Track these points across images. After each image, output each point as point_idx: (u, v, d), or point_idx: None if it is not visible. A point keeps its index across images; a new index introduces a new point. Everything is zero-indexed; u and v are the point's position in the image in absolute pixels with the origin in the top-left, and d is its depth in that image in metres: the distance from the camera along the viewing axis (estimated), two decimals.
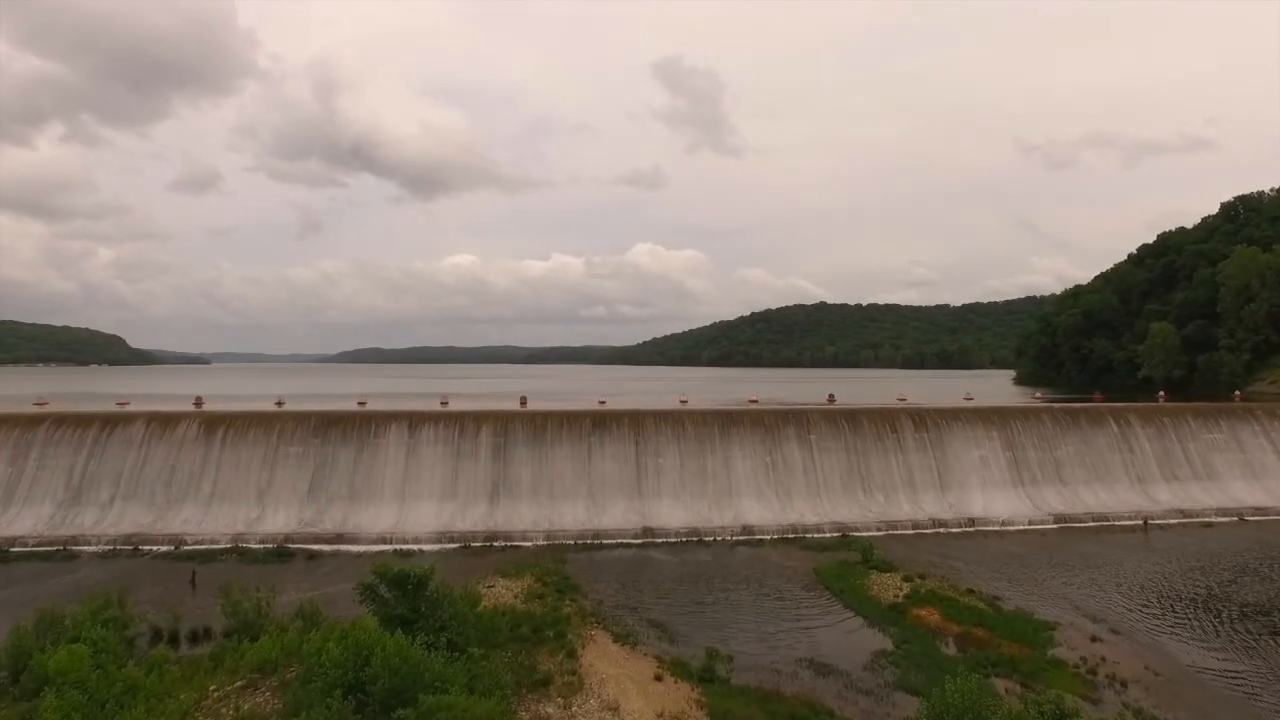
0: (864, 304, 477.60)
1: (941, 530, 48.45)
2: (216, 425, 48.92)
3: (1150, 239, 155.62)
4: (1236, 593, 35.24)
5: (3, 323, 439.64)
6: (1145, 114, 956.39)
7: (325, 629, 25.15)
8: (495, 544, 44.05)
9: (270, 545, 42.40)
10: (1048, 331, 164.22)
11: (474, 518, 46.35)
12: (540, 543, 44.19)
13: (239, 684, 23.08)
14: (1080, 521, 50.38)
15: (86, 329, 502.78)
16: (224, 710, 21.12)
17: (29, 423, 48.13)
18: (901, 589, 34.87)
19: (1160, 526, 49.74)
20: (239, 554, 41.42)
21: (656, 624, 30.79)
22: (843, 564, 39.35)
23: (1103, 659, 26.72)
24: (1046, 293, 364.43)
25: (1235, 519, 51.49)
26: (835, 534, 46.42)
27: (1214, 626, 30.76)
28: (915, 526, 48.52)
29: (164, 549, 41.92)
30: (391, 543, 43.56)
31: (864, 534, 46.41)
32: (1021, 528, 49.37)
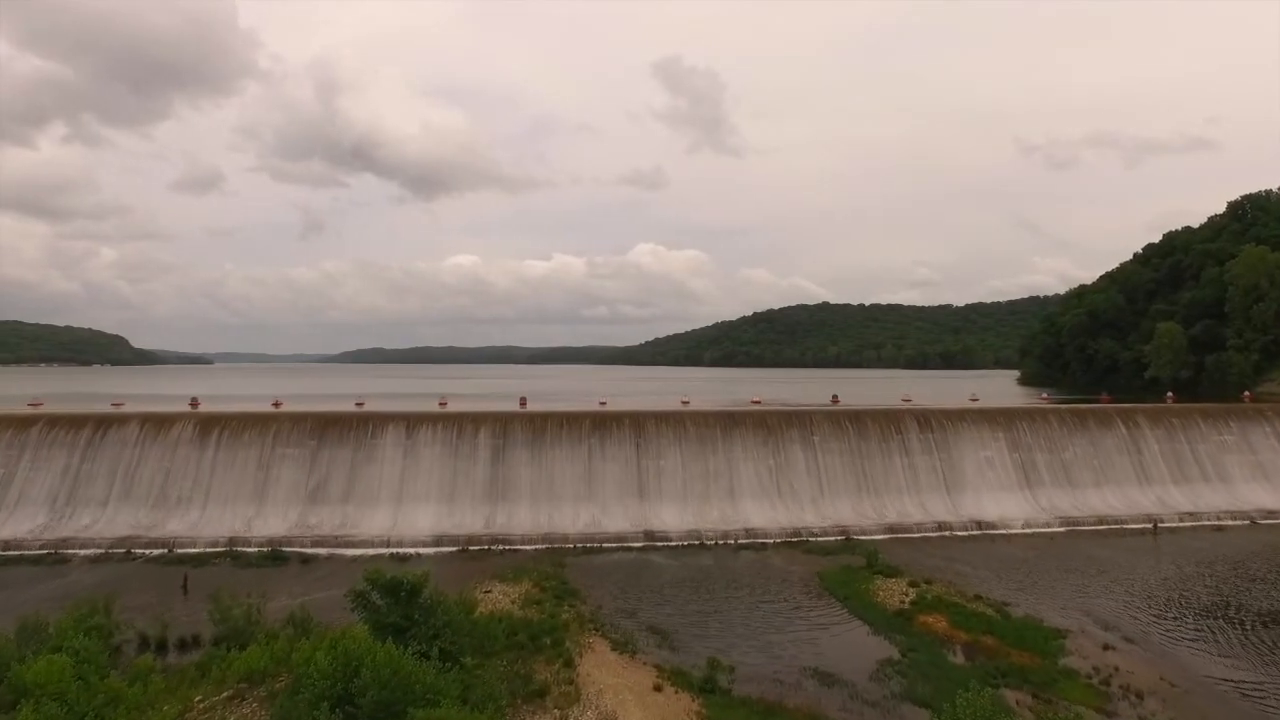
0: (866, 304, 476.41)
1: (947, 533, 47.64)
2: (211, 426, 48.30)
3: (1152, 239, 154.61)
4: (1251, 599, 34.39)
5: (6, 323, 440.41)
6: (1146, 114, 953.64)
7: (316, 637, 24.52)
8: (493, 547, 43.35)
9: (265, 548, 41.72)
10: (1052, 331, 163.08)
11: (472, 521, 45.65)
12: (539, 546, 43.48)
13: (226, 694, 22.41)
14: (1088, 524, 49.54)
15: (89, 329, 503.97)
16: None
17: (22, 424, 47.56)
18: (907, 595, 34.08)
19: (1170, 530, 48.89)
20: (233, 558, 40.77)
21: (657, 631, 30.06)
22: (847, 569, 38.56)
23: (1116, 669, 25.92)
24: (1049, 293, 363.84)
25: (1247, 522, 50.60)
26: (839, 537, 45.65)
27: (1229, 635, 29.91)
28: (920, 530, 47.72)
29: (157, 552, 41.27)
30: (388, 546, 42.88)
31: (868, 537, 45.63)
32: (1028, 531, 48.55)
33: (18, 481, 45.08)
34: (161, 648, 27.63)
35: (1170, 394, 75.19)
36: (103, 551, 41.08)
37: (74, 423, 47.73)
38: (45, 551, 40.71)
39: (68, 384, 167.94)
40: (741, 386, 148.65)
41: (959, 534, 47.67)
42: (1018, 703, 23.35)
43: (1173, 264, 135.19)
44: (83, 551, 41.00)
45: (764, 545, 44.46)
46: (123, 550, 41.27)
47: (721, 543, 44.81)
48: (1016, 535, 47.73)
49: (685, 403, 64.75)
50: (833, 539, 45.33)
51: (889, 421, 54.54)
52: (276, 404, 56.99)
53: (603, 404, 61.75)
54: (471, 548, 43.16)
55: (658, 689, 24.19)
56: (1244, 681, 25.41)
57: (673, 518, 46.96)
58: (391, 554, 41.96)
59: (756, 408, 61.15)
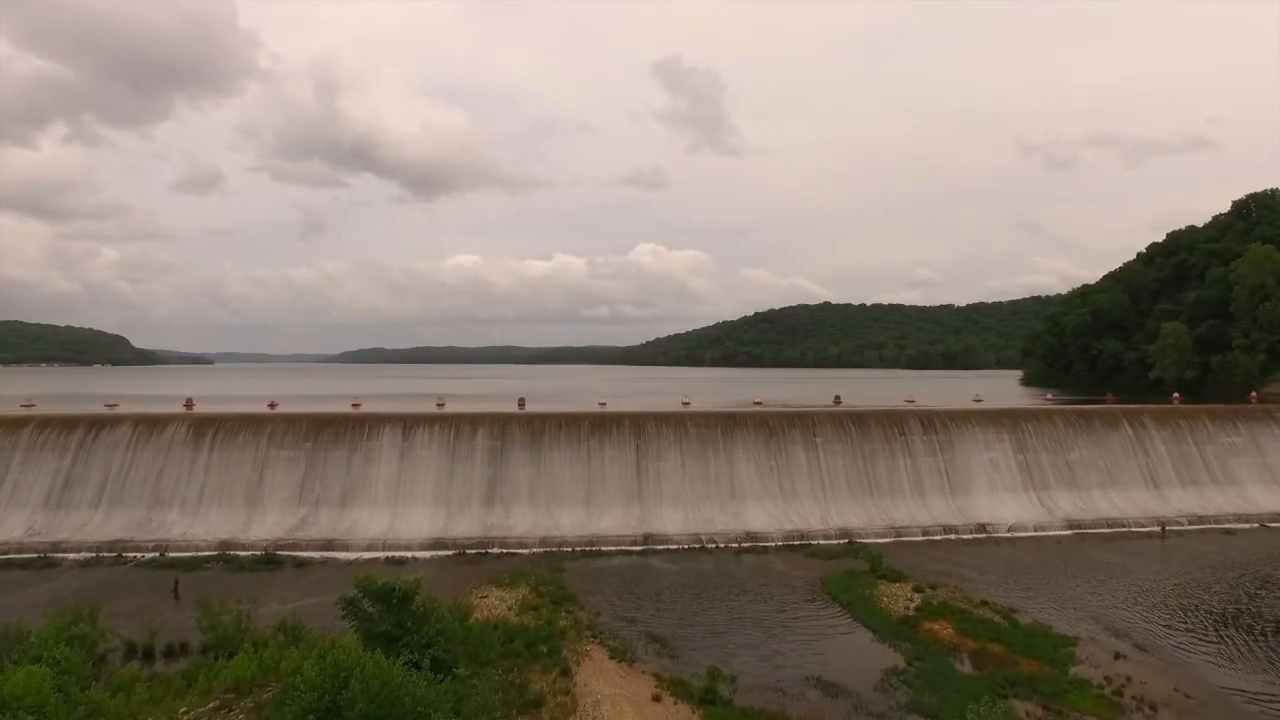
0: (868, 304, 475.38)
1: (952, 536, 46.93)
2: (206, 428, 47.65)
3: (1153, 239, 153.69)
4: (1264, 606, 33.66)
5: (7, 323, 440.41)
6: (1146, 114, 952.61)
7: (305, 646, 23.87)
8: (491, 551, 42.68)
9: (258, 552, 41.08)
10: (1055, 331, 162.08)
11: (469, 524, 44.97)
12: (537, 549, 42.80)
13: (211, 705, 21.71)
14: (1095, 527, 48.80)
15: (90, 329, 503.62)
16: None
17: (13, 425, 46.93)
18: (912, 600, 33.37)
19: (1178, 533, 48.13)
20: (225, 561, 40.12)
21: (656, 638, 29.38)
22: (850, 573, 37.86)
23: (1128, 679, 25.19)
24: (1050, 293, 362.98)
25: (1256, 525, 49.84)
26: (842, 540, 44.95)
27: (1243, 643, 29.18)
28: (924, 532, 47.01)
29: (149, 556, 40.62)
30: (384, 549, 42.22)
31: (871, 540, 44.95)
32: (1034, 534, 47.82)
33: (8, 483, 44.44)
34: (149, 656, 26.98)
35: (1177, 395, 74.42)
36: (93, 555, 40.44)
37: (66, 424, 47.09)
38: (35, 555, 40.05)
39: (66, 384, 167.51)
40: (742, 387, 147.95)
41: (963, 537, 46.96)
42: (1027, 714, 22.69)
43: (1177, 263, 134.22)
44: (73, 555, 40.34)
45: (766, 549, 43.75)
46: (114, 554, 40.62)
47: (722, 546, 44.11)
48: (1022, 538, 47.01)
49: (686, 403, 64.06)
50: (835, 542, 44.64)
51: (892, 422, 53.82)
52: (272, 405, 56.34)
53: (602, 405, 61.09)
54: (469, 551, 42.48)
55: (657, 699, 23.52)
56: (1260, 693, 24.69)
57: (673, 520, 46.26)
58: (387, 558, 41.35)
59: (758, 408, 60.44)
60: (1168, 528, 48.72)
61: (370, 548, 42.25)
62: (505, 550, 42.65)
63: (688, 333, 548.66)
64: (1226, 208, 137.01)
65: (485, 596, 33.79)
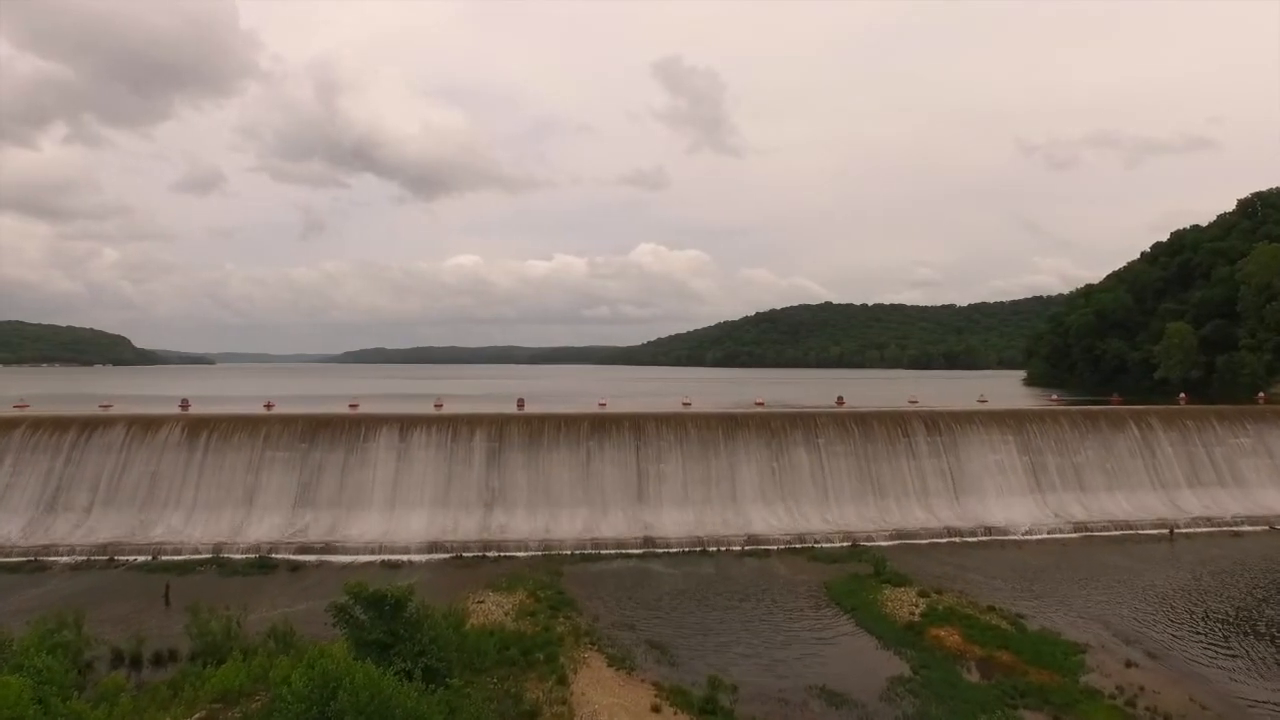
0: (869, 304, 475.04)
1: (956, 539, 46.23)
2: (200, 429, 47.05)
3: (1155, 238, 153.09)
4: (1277, 611, 32.90)
5: (8, 323, 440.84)
6: (1146, 114, 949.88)
7: (295, 654, 23.24)
8: (489, 554, 42.03)
9: (252, 555, 40.49)
10: (1059, 331, 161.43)
11: (467, 526, 44.34)
12: (536, 553, 42.16)
13: (198, 716, 21.06)
14: (1102, 530, 48.09)
15: (91, 329, 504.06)
16: None
17: (5, 426, 46.31)
18: (918, 606, 32.65)
19: (1186, 535, 47.40)
20: (219, 565, 39.51)
21: (656, 645, 28.71)
22: (854, 577, 37.16)
23: (1141, 688, 24.49)
24: (1051, 293, 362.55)
25: (1265, 528, 49.08)
26: (845, 543, 44.27)
27: (1258, 651, 28.45)
28: (929, 535, 46.31)
29: (141, 559, 40.03)
30: (380, 553, 41.60)
31: (875, 543, 44.28)
32: (1040, 536, 47.11)
33: None
34: (136, 663, 26.33)
35: (1183, 395, 73.59)
36: (84, 558, 39.84)
37: (58, 425, 46.50)
38: (25, 559, 39.45)
39: (66, 384, 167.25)
40: (744, 387, 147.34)
41: (968, 540, 46.26)
42: None
43: (1182, 263, 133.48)
44: (64, 559, 39.75)
45: (767, 552, 43.07)
46: (105, 557, 40.03)
47: (724, 549, 43.43)
48: (1028, 541, 46.32)
49: (686, 404, 63.39)
50: (838, 545, 43.96)
51: (895, 423, 53.12)
52: (269, 405, 55.73)
53: (602, 405, 60.44)
54: (466, 555, 41.86)
55: (656, 709, 22.85)
56: (1279, 704, 23.96)
57: (673, 523, 45.60)
58: (383, 561, 40.74)
59: (759, 409, 59.78)
60: (1175, 530, 48.00)
61: (366, 551, 41.64)
62: (503, 554, 42.01)
63: (689, 333, 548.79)
64: (1228, 207, 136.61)
65: (482, 601, 33.15)
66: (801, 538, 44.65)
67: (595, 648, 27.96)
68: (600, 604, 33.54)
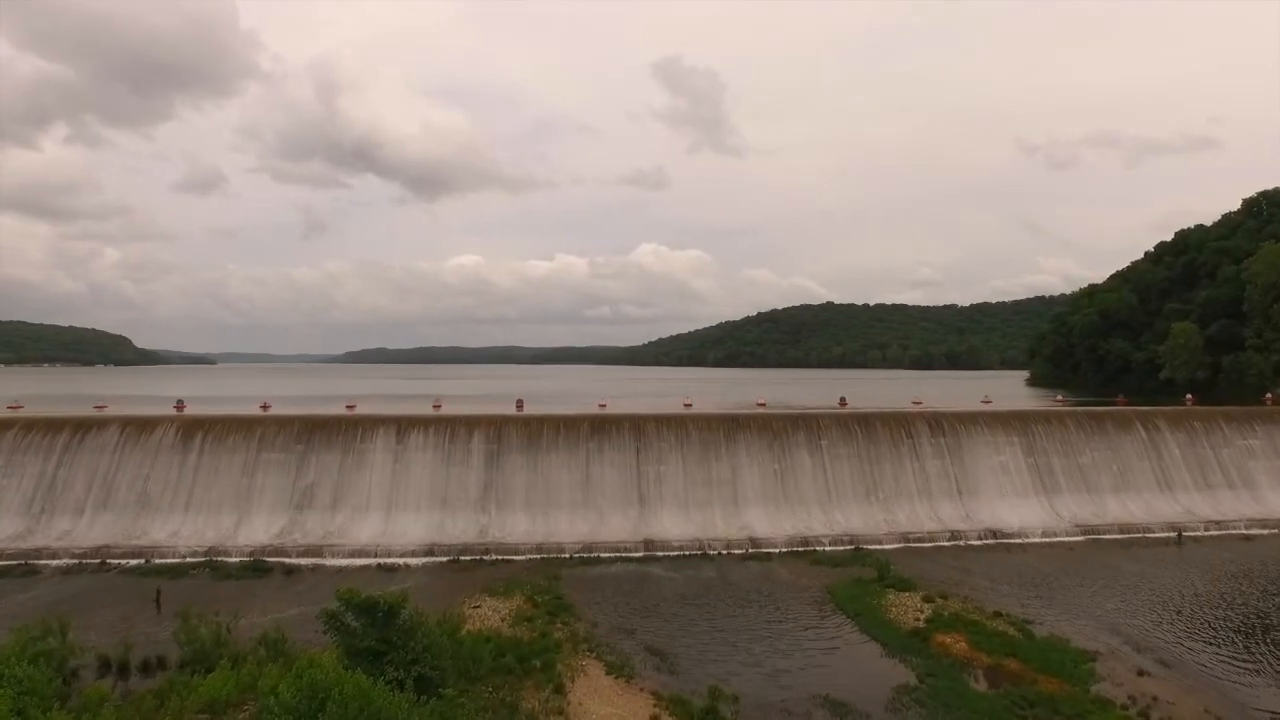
0: (871, 304, 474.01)
1: (961, 542, 45.56)
2: (195, 430, 46.46)
3: (1156, 238, 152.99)
4: None
5: (10, 323, 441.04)
6: (1146, 114, 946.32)
7: (286, 661, 22.67)
8: (486, 557, 41.41)
9: (246, 559, 39.90)
10: (1062, 332, 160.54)
11: (464, 529, 43.74)
12: (534, 556, 41.53)
13: None
14: (1108, 533, 47.37)
15: (93, 329, 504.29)
16: None
17: None
18: (923, 611, 31.99)
19: (1195, 539, 46.67)
20: (213, 568, 38.90)
21: (655, 651, 28.07)
22: (858, 581, 36.50)
23: (1154, 698, 23.81)
24: (1053, 293, 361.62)
25: (1275, 532, 48.30)
26: (848, 547, 43.61)
27: (1274, 659, 27.72)
28: (933, 538, 45.64)
29: (134, 563, 39.44)
30: (375, 556, 40.99)
31: (878, 547, 43.61)
32: (1046, 540, 46.40)
33: None
34: (124, 671, 25.70)
35: (1190, 396, 72.87)
36: (76, 562, 39.23)
37: (51, 426, 45.92)
38: (15, 562, 38.83)
39: (64, 385, 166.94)
40: (745, 388, 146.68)
41: (973, 543, 45.58)
42: None
43: (1186, 262, 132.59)
44: (55, 562, 39.14)
45: (769, 555, 42.42)
46: (97, 560, 39.43)
47: (725, 552, 42.79)
48: (1033, 544, 45.61)
49: (687, 405, 62.74)
50: (842, 549, 43.29)
51: (899, 425, 52.44)
52: (265, 406, 55.15)
53: (602, 406, 59.79)
54: (463, 558, 41.23)
55: None
56: None
57: (674, 526, 44.96)
58: (379, 564, 40.14)
59: (761, 410, 59.12)
60: (1184, 533, 47.28)
61: (362, 554, 41.03)
62: (501, 557, 41.39)
63: (690, 333, 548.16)
64: (1229, 207, 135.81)
65: (478, 606, 32.54)
66: (804, 541, 43.99)
67: (593, 655, 27.33)
68: (599, 609, 32.92)
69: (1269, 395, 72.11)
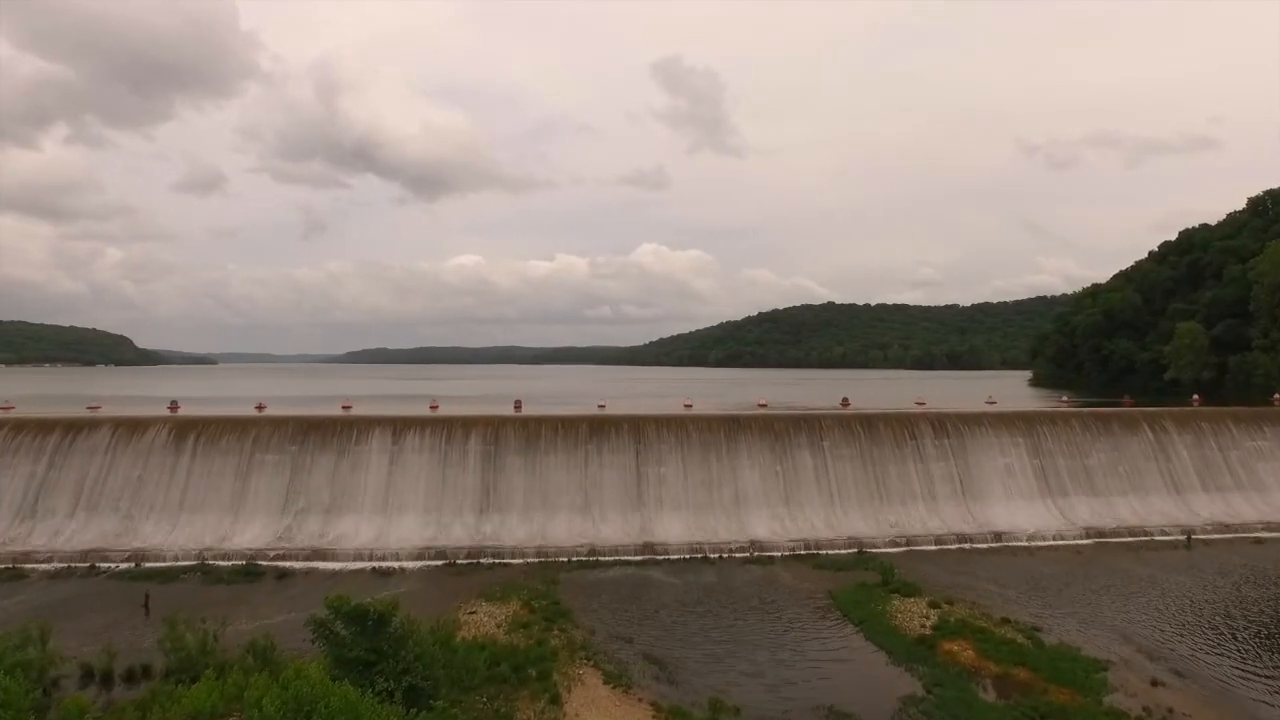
0: (872, 304, 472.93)
1: (966, 546, 44.80)
2: (188, 431, 45.77)
3: (1157, 238, 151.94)
4: None
5: (10, 323, 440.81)
6: (1146, 114, 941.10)
7: (273, 670, 21.92)
8: (483, 561, 40.70)
9: (239, 562, 39.19)
10: (1065, 332, 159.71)
11: (461, 532, 43.02)
12: (531, 560, 40.82)
13: None
14: (1115, 536, 46.59)
15: (93, 329, 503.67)
16: None
17: None
18: (928, 617, 31.24)
19: (1204, 542, 45.86)
20: (204, 572, 38.20)
21: (654, 660, 27.34)
22: (861, 586, 35.74)
23: (1170, 710, 23.04)
24: (1054, 293, 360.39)
25: None
26: (851, 550, 42.86)
27: None
28: (937, 542, 44.88)
29: (124, 567, 38.73)
30: (371, 559, 40.29)
31: (882, 550, 42.87)
32: (1052, 542, 45.64)
33: None
34: (107, 681, 24.99)
35: (1196, 396, 72.01)
36: (64, 566, 38.53)
37: (41, 427, 45.24)
38: (3, 566, 38.06)
39: (63, 385, 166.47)
40: (746, 388, 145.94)
41: (978, 546, 44.82)
42: None
43: (1191, 262, 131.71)
44: (43, 565, 38.44)
45: (771, 559, 41.69)
46: (86, 565, 38.72)
47: (726, 556, 42.06)
48: (1039, 548, 44.85)
49: (688, 406, 62.02)
50: (844, 552, 42.55)
51: (902, 426, 51.68)
52: (260, 407, 54.47)
53: (601, 407, 59.08)
54: (460, 561, 40.53)
55: None
56: None
57: (674, 529, 44.22)
58: (374, 568, 39.46)
59: (762, 411, 58.41)
60: (1193, 536, 46.48)
61: (357, 558, 40.34)
62: (498, 560, 40.68)
63: (691, 333, 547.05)
64: (1230, 207, 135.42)
65: (474, 612, 31.84)
66: (806, 544, 43.26)
67: (591, 663, 26.61)
68: (597, 615, 32.19)
69: (1277, 396, 71.25)
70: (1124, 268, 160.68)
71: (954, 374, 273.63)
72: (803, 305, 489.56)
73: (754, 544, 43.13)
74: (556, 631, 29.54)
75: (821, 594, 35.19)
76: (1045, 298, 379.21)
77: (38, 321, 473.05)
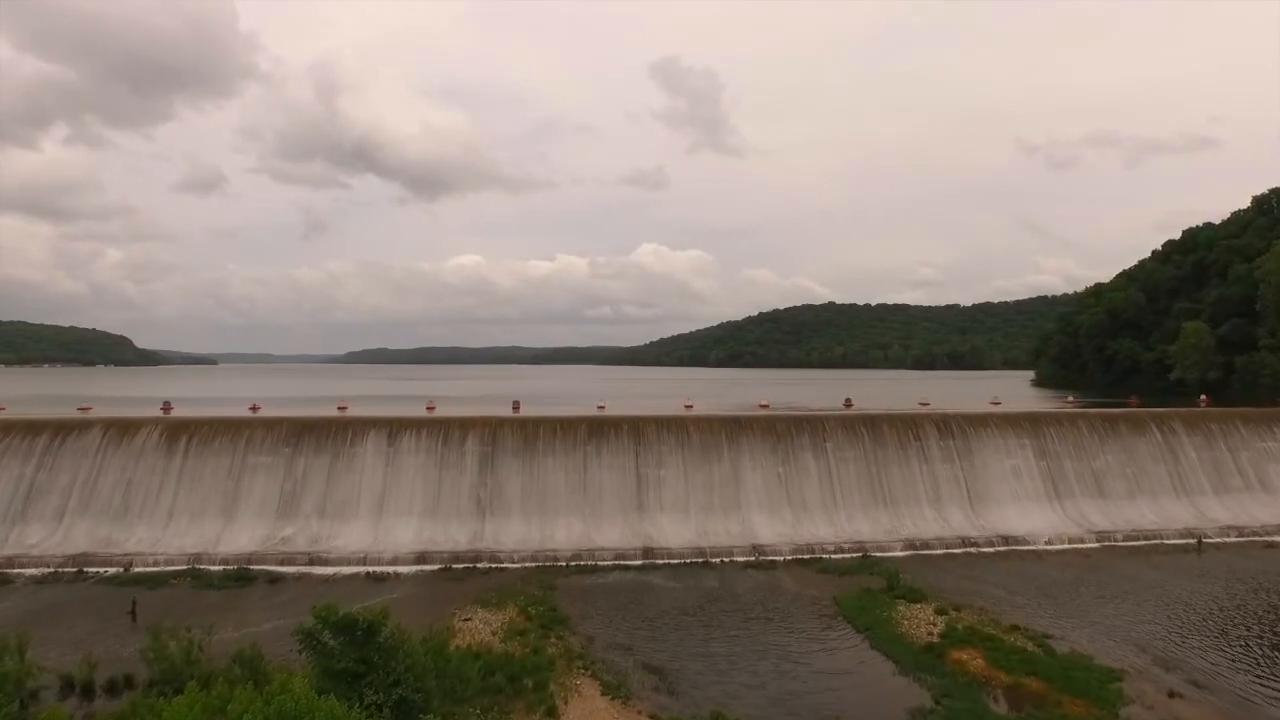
0: (873, 304, 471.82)
1: (972, 550, 43.94)
2: (179, 433, 44.98)
3: (1158, 238, 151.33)
4: None
5: (11, 323, 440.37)
6: (1146, 114, 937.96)
7: (260, 681, 21.12)
8: (479, 565, 39.88)
9: (231, 567, 38.39)
10: (1069, 331, 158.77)
11: (457, 536, 42.20)
12: (529, 564, 40.00)
13: None
14: (1124, 539, 45.73)
15: (94, 329, 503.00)
16: None
17: None
18: (936, 625, 30.41)
19: (1215, 545, 44.98)
20: (194, 577, 37.41)
21: (654, 669, 26.52)
22: (866, 592, 34.92)
23: None
24: (1054, 292, 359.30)
25: None
26: (855, 554, 42.01)
27: None
28: (943, 545, 44.02)
29: (112, 571, 37.93)
30: (365, 564, 39.47)
31: (887, 554, 42.03)
32: (1060, 546, 44.78)
33: None
34: (88, 692, 24.19)
35: (1204, 397, 71.16)
36: (52, 570, 37.74)
37: (31, 429, 44.47)
38: None
39: (61, 385, 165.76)
40: (747, 388, 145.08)
41: (984, 550, 43.96)
42: None
43: (1195, 261, 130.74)
44: (30, 570, 37.65)
45: (774, 563, 40.85)
46: (74, 569, 37.91)
47: (727, 560, 41.22)
48: (1047, 551, 44.00)
49: (688, 407, 61.17)
50: (848, 556, 41.71)
51: (906, 427, 50.83)
52: (254, 408, 53.68)
53: (600, 408, 58.24)
54: (456, 566, 39.70)
55: None
56: None
57: (674, 532, 43.40)
58: (368, 573, 38.65)
59: (764, 412, 57.58)
60: (1204, 540, 45.60)
61: (351, 562, 39.53)
62: (495, 565, 39.87)
63: (692, 333, 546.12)
64: (1230, 207, 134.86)
65: (469, 619, 31.04)
66: (809, 548, 42.42)
67: (589, 673, 25.80)
68: (595, 622, 31.37)
69: None
70: (1125, 267, 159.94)
71: (956, 374, 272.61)
72: (803, 305, 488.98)
73: (756, 548, 42.30)
74: (554, 639, 28.75)
75: (826, 600, 34.35)
76: (1046, 297, 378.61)
77: (38, 322, 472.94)
